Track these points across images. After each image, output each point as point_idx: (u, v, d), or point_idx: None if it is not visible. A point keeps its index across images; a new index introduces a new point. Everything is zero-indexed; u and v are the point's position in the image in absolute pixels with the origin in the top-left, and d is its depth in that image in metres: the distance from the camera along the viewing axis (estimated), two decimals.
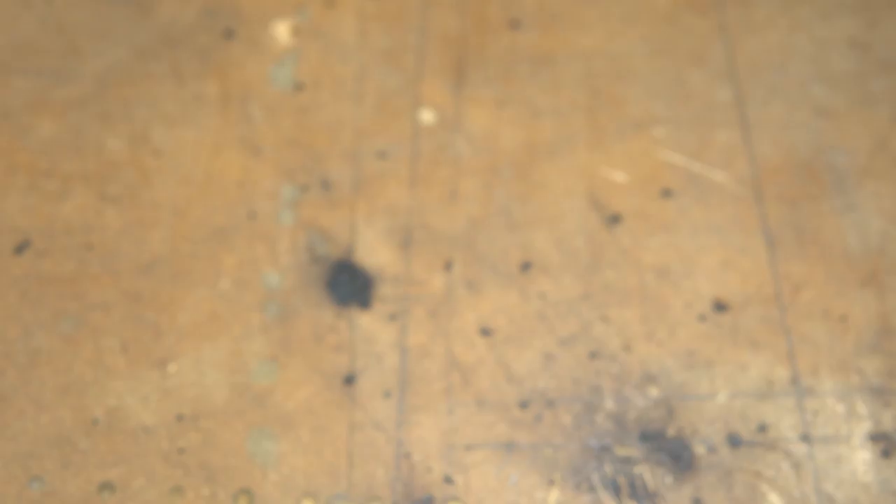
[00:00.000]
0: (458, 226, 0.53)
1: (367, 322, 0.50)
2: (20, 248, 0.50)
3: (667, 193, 0.55)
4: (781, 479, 0.46)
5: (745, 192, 0.55)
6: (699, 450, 0.47)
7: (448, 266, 0.52)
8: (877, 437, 0.48)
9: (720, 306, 0.51)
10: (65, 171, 0.52)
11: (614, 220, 0.54)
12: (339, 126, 0.54)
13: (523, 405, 0.48)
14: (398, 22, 0.60)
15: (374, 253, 0.52)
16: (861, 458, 0.47)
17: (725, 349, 0.50)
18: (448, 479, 0.46)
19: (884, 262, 0.53)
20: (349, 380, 0.48)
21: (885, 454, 0.47)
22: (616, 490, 0.45)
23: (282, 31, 0.57)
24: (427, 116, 0.57)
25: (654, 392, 0.48)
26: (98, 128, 0.54)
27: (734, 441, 0.47)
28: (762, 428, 0.48)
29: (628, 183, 0.55)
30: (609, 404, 0.47)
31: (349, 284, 0.51)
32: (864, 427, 0.48)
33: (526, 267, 0.52)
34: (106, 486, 0.46)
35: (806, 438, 0.47)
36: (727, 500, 0.46)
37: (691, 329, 0.50)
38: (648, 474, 0.46)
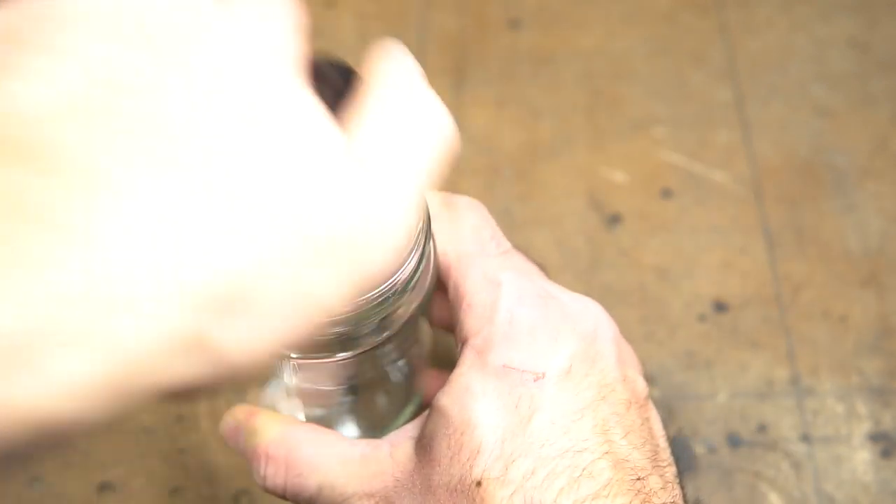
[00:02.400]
0: None
1: None
2: None
3: (667, 193, 0.55)
4: (781, 479, 0.46)
5: (745, 192, 0.55)
6: (699, 450, 0.47)
7: None
8: (877, 437, 0.48)
9: (720, 306, 0.51)
10: None
11: (614, 220, 0.54)
12: None
13: None
14: (398, 22, 0.60)
15: None
16: (861, 458, 0.47)
17: (725, 349, 0.50)
18: None
19: (884, 262, 0.53)
20: None
21: (885, 454, 0.47)
22: None
23: None
24: None
25: (653, 392, 0.48)
26: None
27: (734, 441, 0.47)
28: (762, 428, 0.48)
29: (628, 183, 0.55)
30: None
31: None
32: (864, 427, 0.48)
33: None
34: (106, 486, 0.46)
35: (806, 438, 0.47)
36: (727, 500, 0.46)
37: (691, 329, 0.50)
38: None
